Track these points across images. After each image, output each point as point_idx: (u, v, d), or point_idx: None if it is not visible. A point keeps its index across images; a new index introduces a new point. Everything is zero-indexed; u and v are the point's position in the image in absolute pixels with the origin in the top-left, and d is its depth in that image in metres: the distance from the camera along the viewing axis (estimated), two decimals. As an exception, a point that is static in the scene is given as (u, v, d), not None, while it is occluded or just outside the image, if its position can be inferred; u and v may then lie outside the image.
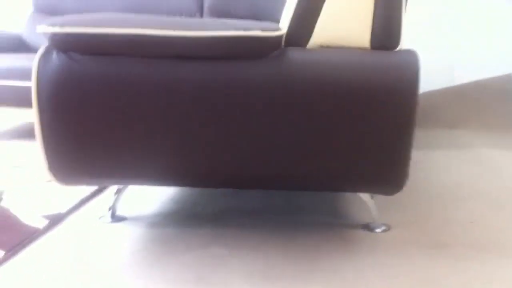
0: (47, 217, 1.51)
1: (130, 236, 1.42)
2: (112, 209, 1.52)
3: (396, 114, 1.16)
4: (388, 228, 1.48)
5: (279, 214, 1.60)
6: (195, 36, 1.13)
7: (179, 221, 1.53)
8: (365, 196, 1.46)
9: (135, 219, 1.53)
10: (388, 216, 1.54)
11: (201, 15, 2.60)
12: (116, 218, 1.52)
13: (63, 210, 1.57)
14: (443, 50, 2.98)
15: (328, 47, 1.23)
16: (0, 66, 2.36)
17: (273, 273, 1.22)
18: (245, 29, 1.14)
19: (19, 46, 2.88)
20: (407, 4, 1.50)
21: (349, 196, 1.67)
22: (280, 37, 1.17)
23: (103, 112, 1.20)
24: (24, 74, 1.90)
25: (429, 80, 2.94)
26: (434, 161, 2.23)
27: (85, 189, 1.69)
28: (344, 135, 1.19)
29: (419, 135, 2.72)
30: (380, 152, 1.21)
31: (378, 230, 1.47)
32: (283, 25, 1.22)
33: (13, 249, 1.31)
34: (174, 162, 1.26)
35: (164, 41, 1.14)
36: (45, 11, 2.93)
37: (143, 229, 1.46)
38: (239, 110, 1.18)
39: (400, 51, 1.20)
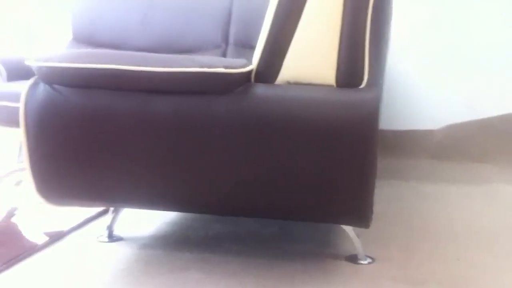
0: (48, 234, 1.62)
1: (118, 256, 1.50)
2: (109, 229, 1.61)
3: (357, 149, 1.20)
4: (372, 261, 1.49)
5: (268, 241, 1.64)
6: (162, 72, 1.22)
7: (168, 244, 1.60)
8: (347, 228, 1.49)
9: (130, 239, 1.62)
10: (377, 249, 1.56)
11: (226, 47, 2.69)
12: (113, 238, 1.61)
13: (66, 228, 1.68)
14: (467, 82, 2.93)
15: (295, 83, 1.27)
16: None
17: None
18: (209, 66, 1.21)
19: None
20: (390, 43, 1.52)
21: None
22: (243, 73, 1.23)
23: (84, 140, 1.29)
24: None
25: (452, 113, 2.91)
26: (444, 195, 2.21)
27: (92, 210, 1.80)
28: (305, 170, 1.23)
29: (437, 168, 2.72)
30: (342, 186, 1.24)
31: (361, 262, 1.49)
32: (254, 61, 1.28)
33: (8, 262, 1.42)
34: (151, 187, 1.34)
35: (136, 75, 1.23)
36: (82, 40, 3.11)
37: (133, 250, 1.54)
38: (204, 143, 1.24)
39: (362, 88, 1.24)
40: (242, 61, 1.27)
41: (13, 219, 1.75)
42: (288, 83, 1.27)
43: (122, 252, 1.52)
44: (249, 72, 1.25)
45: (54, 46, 3.22)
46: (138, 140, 1.27)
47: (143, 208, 1.52)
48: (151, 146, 1.26)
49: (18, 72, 2.73)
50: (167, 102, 1.24)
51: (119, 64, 1.22)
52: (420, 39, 2.93)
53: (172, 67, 1.21)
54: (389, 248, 1.58)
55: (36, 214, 1.80)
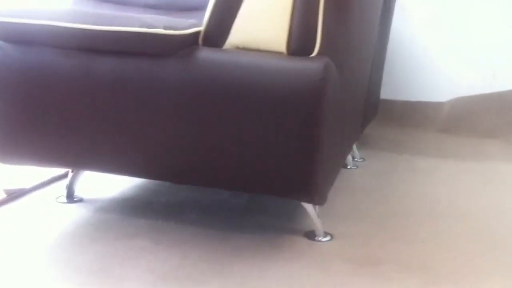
0: (8, 191, 1.60)
1: (71, 218, 1.47)
2: (68, 190, 1.58)
3: (301, 120, 1.12)
4: (331, 238, 1.43)
5: (232, 212, 1.59)
6: (99, 30, 1.15)
7: (126, 209, 1.57)
8: (305, 204, 1.42)
9: (89, 201, 1.59)
10: (342, 226, 1.50)
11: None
12: (72, 199, 1.58)
13: (28, 186, 1.65)
14: (485, 53, 2.77)
15: (244, 48, 1.19)
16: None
17: (176, 274, 1.21)
18: (148, 26, 1.14)
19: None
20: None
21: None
22: (185, 35, 1.16)
23: (30, 99, 1.26)
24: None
25: (463, 85, 2.76)
26: (439, 171, 2.11)
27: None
28: (251, 139, 1.16)
29: (440, 142, 2.60)
30: (288, 158, 1.17)
31: (319, 239, 1.42)
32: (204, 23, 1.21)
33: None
34: (102, 151, 1.30)
35: (74, 33, 1.17)
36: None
37: (88, 213, 1.51)
38: (147, 107, 1.19)
39: (311, 57, 1.15)
40: (189, 22, 1.19)
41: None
42: (237, 47, 1.19)
43: (76, 214, 1.49)
44: (194, 34, 1.18)
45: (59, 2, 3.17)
46: (83, 101, 1.23)
47: (99, 171, 1.48)
48: (95, 108, 1.22)
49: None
50: (107, 63, 1.19)
51: (57, 21, 1.16)
52: (432, 7, 2.77)
53: (111, 25, 1.15)
54: (356, 226, 1.51)
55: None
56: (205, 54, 1.16)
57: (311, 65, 1.10)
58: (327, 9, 1.14)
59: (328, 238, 1.42)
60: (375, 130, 2.73)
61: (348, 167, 2.15)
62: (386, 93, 2.88)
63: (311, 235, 1.43)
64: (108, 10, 2.94)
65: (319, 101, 1.09)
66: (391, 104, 2.92)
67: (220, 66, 1.14)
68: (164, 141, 1.19)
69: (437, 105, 2.87)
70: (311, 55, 1.16)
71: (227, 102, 1.13)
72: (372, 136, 2.63)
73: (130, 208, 1.57)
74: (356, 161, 2.25)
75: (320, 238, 1.41)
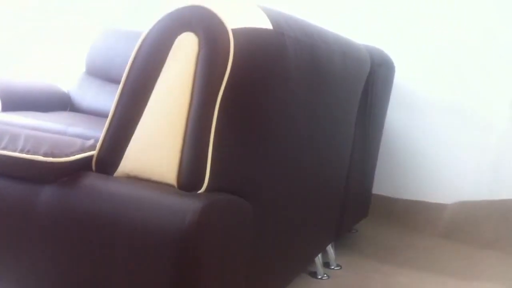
0: None
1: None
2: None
3: (171, 264, 1.00)
4: None
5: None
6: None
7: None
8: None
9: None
10: None
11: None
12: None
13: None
14: (489, 156, 2.60)
15: (135, 177, 1.11)
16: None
17: None
18: (27, 151, 1.07)
19: (66, 104, 3.05)
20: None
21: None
22: (67, 163, 1.08)
23: None
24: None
25: (469, 188, 2.58)
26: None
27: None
28: (117, 276, 1.06)
29: (434, 251, 2.39)
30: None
31: None
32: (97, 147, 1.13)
33: None
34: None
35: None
36: (96, 74, 3.08)
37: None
38: (23, 235, 1.11)
39: (196, 194, 1.05)
40: (88, 144, 1.12)
41: None
42: (128, 175, 1.10)
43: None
44: (83, 160, 1.09)
45: (66, 76, 3.22)
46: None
47: None
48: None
49: (15, 102, 2.72)
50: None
51: None
52: (439, 101, 2.64)
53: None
54: None
55: None
56: (84, 182, 1.07)
57: (187, 205, 0.99)
58: (220, 141, 1.03)
59: None
60: (367, 230, 2.57)
61: (319, 276, 1.99)
62: (385, 190, 2.73)
63: None
64: (113, 90, 2.97)
65: (190, 246, 0.97)
66: (391, 202, 2.76)
67: (95, 195, 1.05)
68: (34, 270, 1.10)
69: (440, 207, 2.68)
70: (198, 191, 1.05)
71: (95, 234, 1.03)
72: (360, 237, 2.47)
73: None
74: (331, 268, 2.09)
75: None
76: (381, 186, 2.81)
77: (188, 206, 1.00)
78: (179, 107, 1.07)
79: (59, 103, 3.00)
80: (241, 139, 1.12)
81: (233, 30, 1.05)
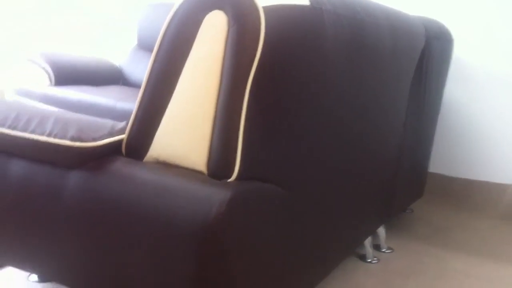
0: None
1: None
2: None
3: (190, 254, 0.97)
4: None
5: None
6: (11, 135, 1.08)
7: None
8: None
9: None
10: None
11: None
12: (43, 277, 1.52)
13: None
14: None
15: (164, 163, 1.07)
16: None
17: None
18: (55, 135, 1.05)
19: (118, 78, 3.05)
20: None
21: None
22: (96, 147, 1.05)
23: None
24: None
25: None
26: (471, 279, 1.81)
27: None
28: (141, 272, 1.03)
29: (495, 233, 2.25)
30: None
31: None
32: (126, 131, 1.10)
33: None
34: (15, 248, 1.22)
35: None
36: (146, 47, 3.07)
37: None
38: (51, 219, 1.09)
39: (226, 183, 1.00)
40: (113, 128, 1.09)
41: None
42: (157, 160, 1.06)
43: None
44: (108, 145, 1.06)
45: (118, 51, 3.23)
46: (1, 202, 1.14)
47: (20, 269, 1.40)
48: (10, 208, 1.14)
49: (67, 76, 2.75)
50: (22, 168, 1.11)
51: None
52: (501, 74, 2.48)
53: (24, 131, 1.07)
54: None
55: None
56: (112, 168, 1.05)
57: (215, 195, 0.94)
58: (250, 129, 0.97)
59: None
60: (422, 210, 2.46)
61: (368, 260, 1.92)
62: (442, 168, 2.61)
63: None
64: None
65: (216, 236, 0.93)
66: (448, 181, 2.63)
67: (120, 181, 1.02)
68: (60, 254, 1.09)
69: (501, 188, 2.54)
70: (228, 179, 1.00)
71: (120, 221, 1.00)
72: (415, 218, 2.37)
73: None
74: (382, 251, 2.01)
75: None
76: (439, 164, 2.68)
77: (215, 196, 0.95)
78: (208, 90, 1.01)
79: (111, 77, 3.00)
80: (274, 125, 1.06)
81: (265, 8, 0.98)
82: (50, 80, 2.74)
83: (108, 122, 1.12)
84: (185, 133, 1.03)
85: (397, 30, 1.52)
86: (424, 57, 1.91)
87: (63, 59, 2.80)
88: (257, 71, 0.98)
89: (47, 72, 2.76)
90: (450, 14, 2.55)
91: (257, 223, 1.04)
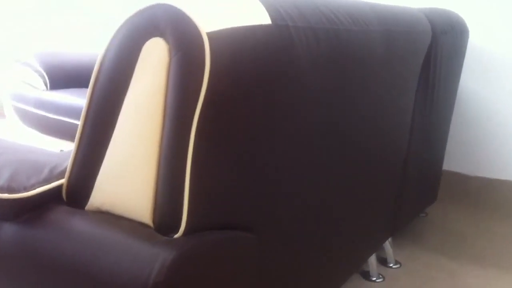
0: None
1: None
2: None
3: None
4: None
5: None
6: None
7: None
8: None
9: None
10: None
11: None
12: None
13: None
14: None
15: (107, 212, 0.93)
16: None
17: None
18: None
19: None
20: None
21: None
22: (26, 198, 0.92)
23: None
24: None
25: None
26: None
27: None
28: None
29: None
30: None
31: None
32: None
33: None
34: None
35: None
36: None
37: None
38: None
39: (170, 240, 0.86)
40: (51, 172, 0.96)
41: None
42: (100, 210, 0.93)
43: None
44: (44, 193, 0.93)
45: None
46: None
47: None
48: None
49: (63, 79, 2.64)
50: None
51: None
52: None
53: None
54: None
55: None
56: (45, 219, 0.92)
57: (154, 255, 0.81)
58: (197, 171, 0.83)
59: None
60: (436, 213, 2.29)
61: (372, 278, 1.77)
62: (458, 166, 2.43)
63: None
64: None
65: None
66: (465, 180, 2.45)
67: (57, 235, 0.89)
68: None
69: (523, 187, 2.36)
70: (175, 235, 0.86)
71: (58, 279, 0.88)
72: (427, 223, 2.21)
73: None
74: (389, 266, 1.86)
75: None
76: (454, 162, 2.50)
77: (156, 257, 0.81)
78: (150, 129, 0.87)
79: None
80: (229, 165, 0.91)
81: (211, 34, 0.83)
82: (45, 84, 2.63)
83: (51, 163, 0.99)
84: (127, 179, 0.89)
85: (392, 33, 1.35)
86: (431, 54, 1.74)
87: (59, 60, 2.69)
88: (204, 105, 0.84)
89: (41, 75, 2.65)
90: (467, 3, 2.35)
91: (220, 278, 0.90)
